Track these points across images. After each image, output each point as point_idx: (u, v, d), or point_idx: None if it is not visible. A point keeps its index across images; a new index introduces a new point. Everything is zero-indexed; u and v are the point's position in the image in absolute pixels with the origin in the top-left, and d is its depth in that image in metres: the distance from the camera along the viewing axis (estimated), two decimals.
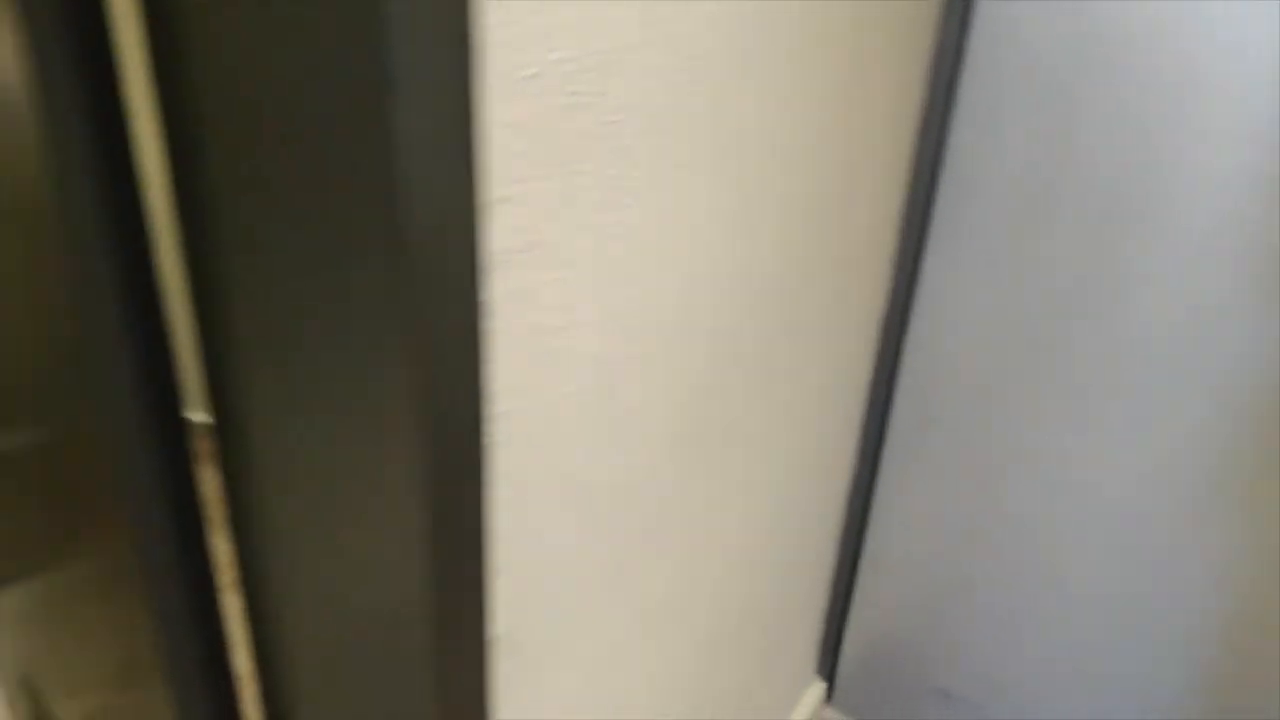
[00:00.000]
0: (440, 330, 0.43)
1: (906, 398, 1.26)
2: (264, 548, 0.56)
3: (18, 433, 0.70)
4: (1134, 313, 1.05)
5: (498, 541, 0.53)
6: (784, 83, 0.70)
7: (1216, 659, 1.15)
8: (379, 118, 0.37)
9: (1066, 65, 0.99)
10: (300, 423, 0.50)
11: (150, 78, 0.45)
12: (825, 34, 0.73)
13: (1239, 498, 1.06)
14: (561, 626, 0.64)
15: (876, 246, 1.10)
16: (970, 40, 1.05)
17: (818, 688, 1.49)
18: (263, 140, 0.41)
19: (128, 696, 0.82)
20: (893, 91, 0.96)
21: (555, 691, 0.66)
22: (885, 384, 1.27)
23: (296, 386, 0.49)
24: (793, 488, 1.09)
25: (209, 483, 0.59)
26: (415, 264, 0.40)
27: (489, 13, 0.40)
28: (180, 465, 0.57)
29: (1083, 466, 1.15)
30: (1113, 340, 1.08)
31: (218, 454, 0.56)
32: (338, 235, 0.41)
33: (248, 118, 0.41)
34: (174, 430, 0.56)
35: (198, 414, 0.54)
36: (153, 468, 0.56)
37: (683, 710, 0.96)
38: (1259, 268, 0.96)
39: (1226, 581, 1.10)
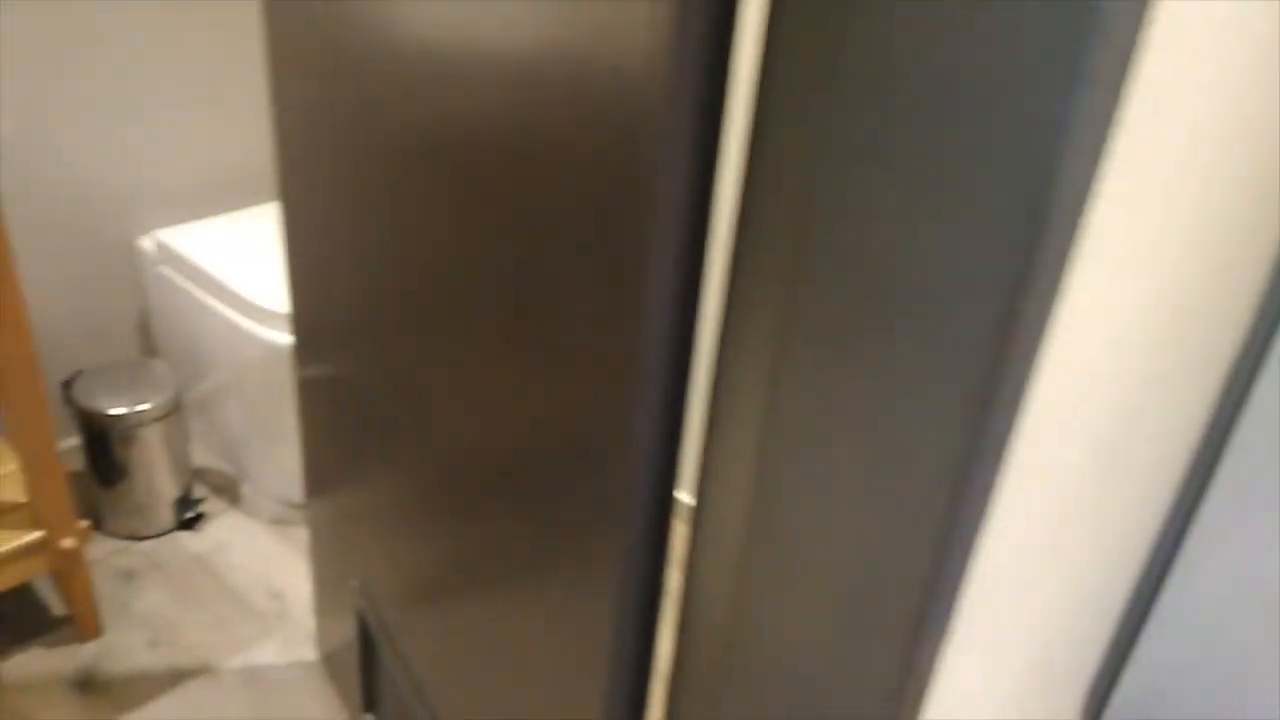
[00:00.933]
0: (1034, 314, 0.45)
1: (1238, 458, 1.20)
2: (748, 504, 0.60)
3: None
4: None
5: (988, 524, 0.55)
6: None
7: None
8: (1057, 108, 0.39)
9: None
10: (819, 390, 0.53)
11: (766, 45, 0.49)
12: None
13: None
14: (989, 615, 0.65)
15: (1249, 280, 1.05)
16: None
17: None
18: (913, 116, 0.44)
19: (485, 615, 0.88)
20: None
21: (960, 674, 0.67)
22: (1221, 434, 1.21)
23: (825, 334, 0.52)
24: (1128, 519, 1.07)
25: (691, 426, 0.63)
26: (1047, 252, 0.42)
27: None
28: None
29: None
30: None
31: (710, 413, 0.60)
32: (961, 213, 0.44)
33: (905, 95, 0.44)
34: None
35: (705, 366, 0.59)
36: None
37: None
38: None
39: None
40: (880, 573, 0.55)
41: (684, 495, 0.69)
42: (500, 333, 0.74)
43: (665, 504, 0.67)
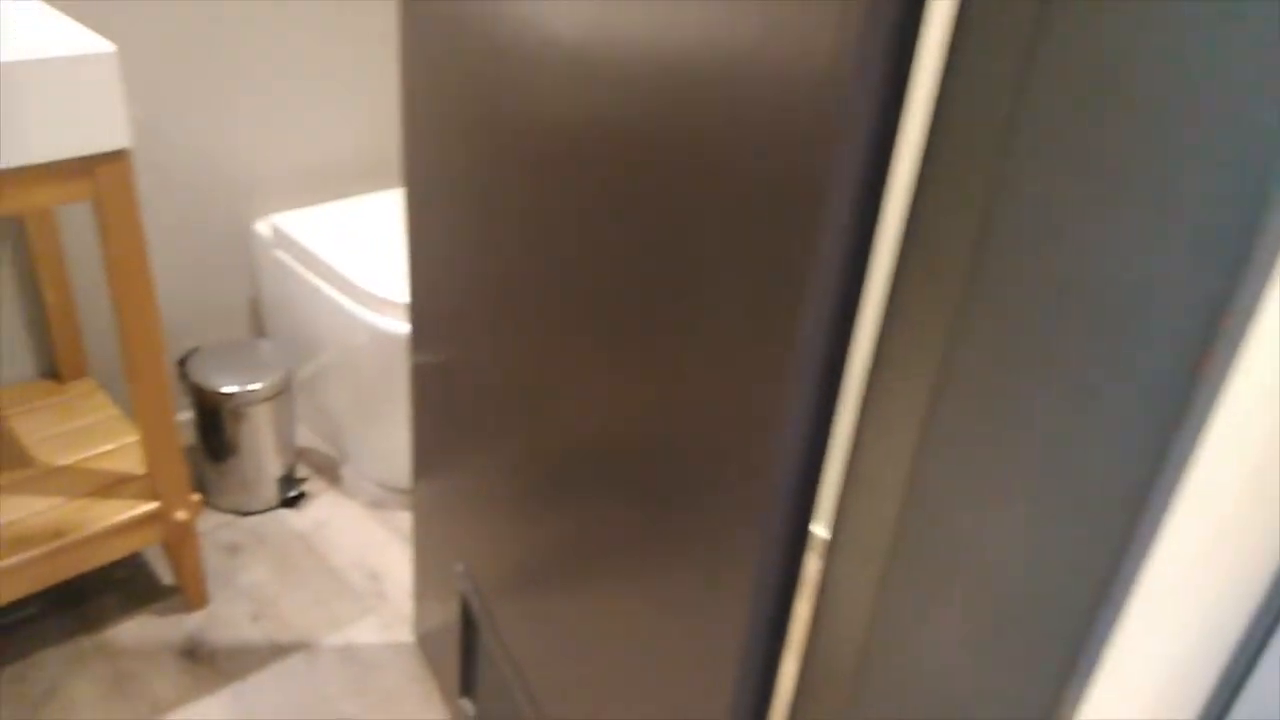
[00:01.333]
0: (1235, 334, 0.43)
1: None
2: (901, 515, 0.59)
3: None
4: None
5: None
6: None
7: None
8: (1253, 114, 0.38)
9: None
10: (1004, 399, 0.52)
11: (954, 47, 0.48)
12: None
13: None
14: (1124, 644, 0.63)
15: None
16: None
17: None
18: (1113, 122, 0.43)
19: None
20: None
21: (1091, 706, 0.65)
22: None
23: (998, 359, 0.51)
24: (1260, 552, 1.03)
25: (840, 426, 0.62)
26: (1255, 269, 0.40)
27: None
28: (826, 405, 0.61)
29: None
30: None
31: (858, 429, 0.59)
32: (1164, 224, 0.42)
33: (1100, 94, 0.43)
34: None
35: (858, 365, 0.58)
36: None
37: None
38: None
39: None
40: (1037, 600, 0.54)
41: (818, 528, 0.68)
42: (637, 333, 0.74)
43: (801, 532, 0.66)
